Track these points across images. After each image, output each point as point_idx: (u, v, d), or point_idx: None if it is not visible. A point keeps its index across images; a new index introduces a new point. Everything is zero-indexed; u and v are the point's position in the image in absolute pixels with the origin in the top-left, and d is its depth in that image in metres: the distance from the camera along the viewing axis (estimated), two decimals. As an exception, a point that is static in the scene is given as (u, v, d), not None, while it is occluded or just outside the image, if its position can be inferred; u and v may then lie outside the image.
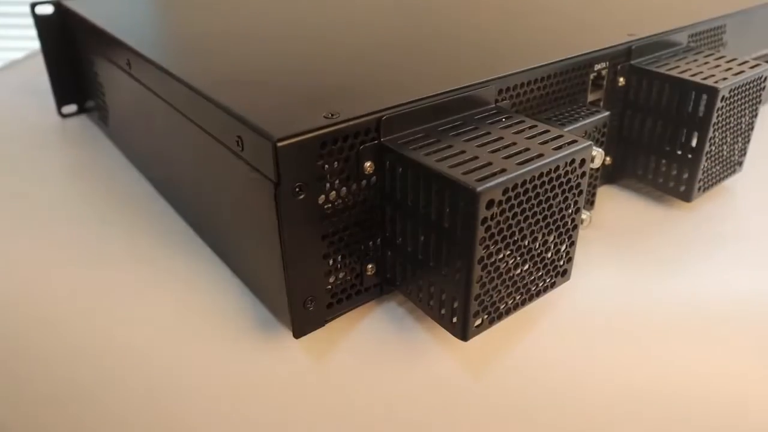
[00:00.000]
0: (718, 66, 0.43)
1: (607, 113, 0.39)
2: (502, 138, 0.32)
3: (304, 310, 0.33)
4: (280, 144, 0.28)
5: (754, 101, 0.44)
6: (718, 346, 0.35)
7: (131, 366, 0.35)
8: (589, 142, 0.31)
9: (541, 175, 0.29)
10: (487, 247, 0.29)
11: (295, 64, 0.38)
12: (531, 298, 0.33)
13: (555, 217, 0.32)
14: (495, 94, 0.35)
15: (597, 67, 0.41)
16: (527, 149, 0.30)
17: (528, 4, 0.52)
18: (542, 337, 0.35)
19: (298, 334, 0.33)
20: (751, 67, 0.43)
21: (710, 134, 0.41)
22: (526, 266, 0.32)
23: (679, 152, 0.43)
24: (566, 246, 0.34)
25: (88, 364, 0.36)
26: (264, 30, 0.46)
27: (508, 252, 0.31)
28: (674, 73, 0.42)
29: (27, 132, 0.56)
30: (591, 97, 0.42)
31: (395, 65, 0.38)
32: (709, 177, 0.44)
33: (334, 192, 0.31)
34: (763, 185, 0.48)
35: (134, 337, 0.36)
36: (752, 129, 0.46)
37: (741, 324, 0.35)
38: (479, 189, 0.27)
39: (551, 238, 0.33)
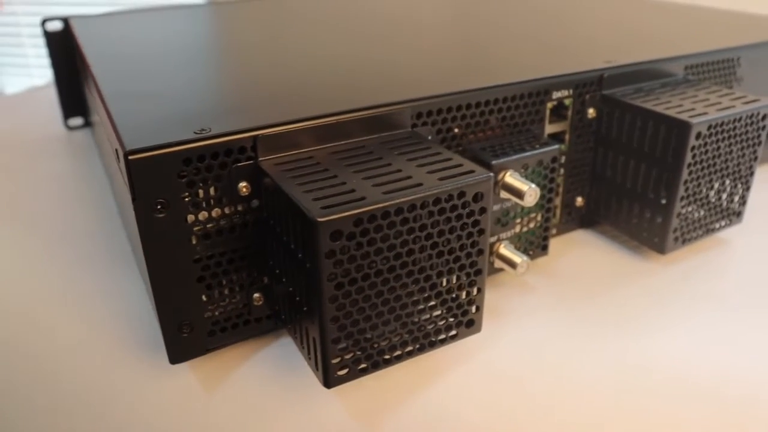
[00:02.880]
0: (706, 100, 0.37)
1: (556, 147, 0.35)
2: (389, 165, 0.28)
3: (180, 336, 0.31)
4: (131, 157, 0.27)
5: (749, 142, 0.38)
6: (648, 427, 0.29)
7: (28, 381, 0.35)
8: (488, 175, 0.27)
9: (414, 207, 0.26)
10: (341, 284, 0.26)
11: (204, 80, 0.37)
12: (423, 348, 0.30)
13: (450, 256, 0.28)
14: (411, 119, 0.32)
15: (556, 95, 0.37)
16: (408, 177, 0.27)
17: (504, 27, 0.50)
18: (446, 392, 0.31)
19: (173, 359, 0.31)
20: (746, 103, 0.37)
21: (684, 177, 0.35)
22: (416, 309, 0.29)
23: (652, 196, 0.37)
24: (471, 291, 0.30)
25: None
26: (194, 51, 0.46)
27: (380, 290, 0.27)
28: (647, 105, 0.36)
29: (28, 142, 0.59)
30: (552, 129, 0.38)
31: (297, 84, 0.36)
32: (690, 227, 0.38)
33: (205, 213, 0.29)
34: (766, 242, 0.41)
35: (36, 350, 0.35)
36: (752, 174, 0.39)
37: (682, 404, 0.29)
38: (320, 219, 0.24)
39: (448, 280, 0.29)
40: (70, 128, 0.61)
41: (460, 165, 0.28)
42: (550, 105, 0.37)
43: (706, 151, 0.36)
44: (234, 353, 0.33)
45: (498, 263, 0.35)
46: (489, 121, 0.35)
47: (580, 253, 0.40)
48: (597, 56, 0.40)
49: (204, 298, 0.31)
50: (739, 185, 0.39)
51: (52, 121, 0.64)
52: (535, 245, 0.37)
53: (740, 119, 0.36)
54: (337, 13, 0.59)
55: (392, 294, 0.28)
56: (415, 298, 0.29)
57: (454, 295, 0.29)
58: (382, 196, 0.26)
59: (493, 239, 0.35)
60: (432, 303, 0.29)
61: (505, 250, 0.35)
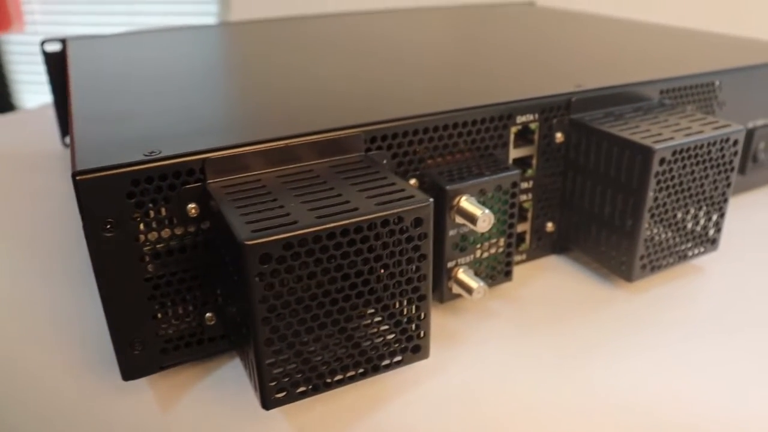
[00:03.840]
0: (676, 125, 0.37)
1: (516, 172, 0.34)
2: (332, 189, 0.29)
3: (132, 353, 0.31)
4: (79, 178, 0.27)
5: (721, 168, 0.37)
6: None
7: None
8: (428, 201, 0.27)
9: (347, 231, 0.26)
10: (273, 307, 0.26)
11: (172, 103, 0.38)
12: (367, 373, 0.30)
13: (390, 282, 0.28)
14: (365, 143, 0.32)
15: (521, 119, 0.36)
16: (347, 202, 0.27)
17: (473, 53, 0.50)
18: (394, 417, 0.31)
19: (125, 376, 0.32)
20: (716, 128, 0.36)
21: (649, 203, 0.35)
22: (357, 333, 0.29)
23: (619, 223, 0.37)
24: (415, 317, 0.30)
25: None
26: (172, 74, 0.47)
27: (316, 314, 0.27)
28: (613, 129, 0.36)
29: (24, 157, 0.61)
30: (518, 154, 0.38)
31: (253, 108, 0.37)
32: (660, 254, 0.37)
33: (155, 233, 0.30)
34: (743, 270, 0.40)
35: None
36: (725, 200, 0.38)
37: (631, 436, 0.29)
38: (248, 242, 0.25)
39: (390, 306, 0.29)
40: (66, 146, 0.63)
41: (402, 190, 0.28)
42: (514, 129, 0.37)
43: (672, 177, 0.35)
44: (193, 371, 0.34)
45: (456, 289, 0.35)
46: (449, 146, 0.35)
47: (549, 279, 0.39)
48: (568, 80, 0.39)
49: (156, 316, 0.31)
50: (713, 212, 0.38)
51: (51, 138, 0.66)
52: (498, 271, 0.37)
53: (709, 144, 0.36)
54: (302, 37, 0.60)
55: (329, 318, 0.28)
56: (354, 324, 0.29)
57: (397, 321, 0.29)
58: (315, 220, 0.26)
59: (451, 264, 0.35)
60: (373, 328, 0.29)
61: (463, 275, 0.34)
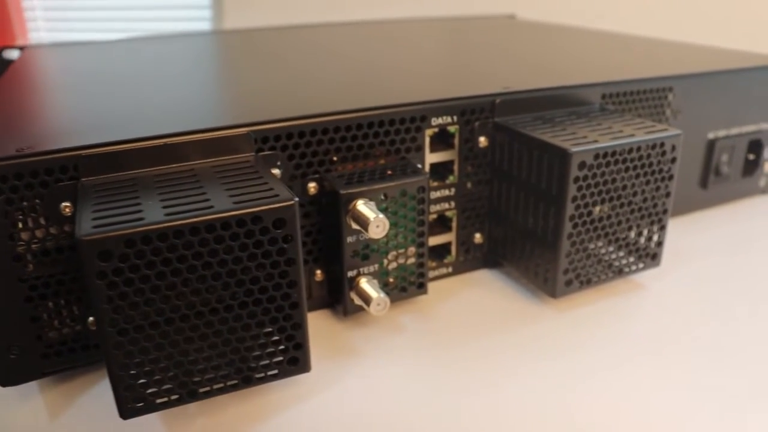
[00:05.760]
0: (608, 129, 0.34)
1: (421, 176, 0.32)
2: (200, 188, 0.27)
3: (8, 357, 0.30)
4: (-60, 174, 0.27)
5: (657, 175, 0.34)
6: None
7: None
8: (291, 201, 0.26)
9: (198, 230, 0.24)
10: (119, 308, 0.25)
11: (82, 106, 0.38)
12: (238, 385, 0.28)
13: (254, 286, 0.26)
14: (256, 143, 0.31)
15: (436, 121, 0.34)
16: (206, 201, 0.26)
17: (400, 55, 0.49)
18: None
19: (3, 382, 0.31)
20: (650, 132, 0.33)
21: (570, 212, 0.32)
22: (220, 341, 0.27)
23: (541, 234, 0.34)
24: (287, 327, 0.28)
25: None
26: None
27: (170, 318, 0.26)
28: (534, 132, 0.33)
29: None
30: (436, 158, 0.35)
31: (151, 107, 0.36)
32: (590, 269, 0.34)
33: (29, 232, 0.29)
34: (686, 289, 0.36)
35: None
36: (665, 212, 0.35)
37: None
38: (85, 237, 0.23)
39: (254, 313, 0.27)
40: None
41: (270, 190, 0.27)
42: (429, 132, 0.35)
43: (597, 184, 0.32)
44: (89, 377, 0.32)
45: (357, 300, 0.33)
46: (357, 149, 0.33)
47: (474, 294, 0.37)
48: (498, 83, 0.37)
49: (35, 319, 0.30)
50: (652, 225, 0.35)
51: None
52: (411, 283, 0.34)
53: (639, 149, 0.33)
54: (245, 47, 0.60)
55: (187, 323, 0.26)
56: (217, 329, 0.27)
57: (267, 331, 0.27)
58: (162, 218, 0.24)
59: (352, 273, 0.33)
60: (242, 337, 0.27)
61: (365, 285, 0.32)
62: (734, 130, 0.44)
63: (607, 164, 0.32)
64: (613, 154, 0.32)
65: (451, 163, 0.36)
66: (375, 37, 0.64)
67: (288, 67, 0.48)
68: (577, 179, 0.32)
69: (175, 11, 1.53)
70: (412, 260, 0.34)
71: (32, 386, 0.32)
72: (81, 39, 0.69)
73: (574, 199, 0.32)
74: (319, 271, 0.34)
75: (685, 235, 0.42)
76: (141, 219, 0.24)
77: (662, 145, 0.33)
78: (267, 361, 0.28)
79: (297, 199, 0.26)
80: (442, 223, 0.37)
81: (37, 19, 1.61)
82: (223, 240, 0.25)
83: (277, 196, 0.26)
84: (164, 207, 0.25)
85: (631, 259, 0.36)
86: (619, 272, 0.35)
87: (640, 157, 0.33)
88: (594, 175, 0.32)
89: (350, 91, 0.38)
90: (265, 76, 0.45)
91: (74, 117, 0.35)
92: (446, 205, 0.36)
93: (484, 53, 0.52)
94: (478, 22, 0.74)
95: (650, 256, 0.36)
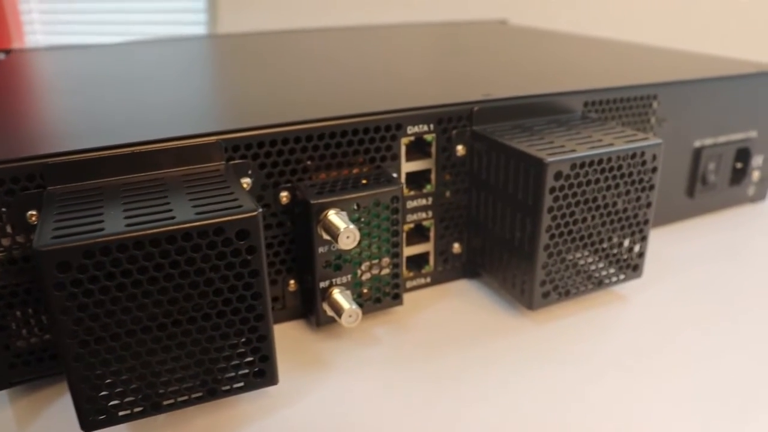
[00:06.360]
0: (588, 138, 0.33)
1: (394, 186, 0.32)
2: (164, 198, 0.27)
3: (-25, 366, 0.30)
4: None
5: (637, 185, 0.33)
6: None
7: None
8: (254, 212, 0.25)
9: (158, 241, 0.24)
10: (80, 320, 0.24)
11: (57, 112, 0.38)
12: (203, 398, 0.27)
13: (218, 298, 0.26)
14: (226, 152, 0.31)
15: (412, 130, 0.34)
16: (169, 211, 0.25)
17: (380, 63, 0.49)
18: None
19: (-30, 391, 0.31)
20: (629, 141, 0.33)
21: (546, 222, 0.32)
22: (183, 353, 0.27)
23: (518, 244, 0.33)
24: (252, 339, 0.27)
25: None
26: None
27: (131, 330, 0.25)
28: (511, 141, 0.33)
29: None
30: (413, 167, 0.35)
31: (123, 115, 0.35)
32: (569, 280, 0.34)
33: (-7, 240, 0.29)
34: (669, 301, 0.36)
35: None
36: (646, 222, 0.34)
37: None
38: (42, 248, 0.23)
39: (218, 325, 0.26)
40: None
41: (234, 201, 0.26)
42: (405, 141, 0.34)
43: (574, 194, 0.32)
44: (56, 387, 0.32)
45: (329, 311, 0.32)
46: (330, 157, 0.33)
47: (451, 305, 0.36)
48: (478, 90, 0.37)
49: (1, 329, 0.30)
50: (633, 235, 0.35)
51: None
52: (386, 294, 0.34)
53: (618, 158, 0.32)
54: (229, 53, 0.60)
55: (148, 335, 0.26)
56: (180, 341, 0.26)
57: (232, 343, 0.27)
58: (122, 228, 0.24)
59: (324, 284, 0.32)
60: (206, 350, 0.27)
61: (337, 296, 0.32)
62: (722, 138, 0.43)
63: (585, 174, 0.32)
64: (591, 164, 0.32)
65: (428, 172, 0.35)
66: (366, 42, 0.64)
67: (272, 72, 0.47)
68: (553, 189, 0.31)
69: (170, 15, 1.53)
70: (386, 271, 0.33)
71: (1, 396, 0.32)
72: (75, 42, 0.68)
73: (551, 209, 0.31)
74: (292, 281, 0.34)
75: (670, 245, 0.42)
76: (101, 230, 0.24)
77: (642, 154, 0.33)
78: (233, 374, 0.27)
79: (261, 210, 0.26)
80: (419, 233, 0.37)
81: (34, 22, 1.61)
82: (185, 251, 0.25)
83: (240, 207, 0.26)
84: (126, 218, 0.25)
85: (612, 270, 0.35)
86: (600, 284, 0.35)
87: (620, 167, 0.33)
88: (571, 186, 0.32)
89: (329, 97, 0.38)
90: (248, 82, 0.45)
91: (46, 123, 0.35)
92: (423, 215, 0.36)
93: (469, 59, 0.51)
94: (469, 27, 0.73)
95: (631, 267, 0.35)
